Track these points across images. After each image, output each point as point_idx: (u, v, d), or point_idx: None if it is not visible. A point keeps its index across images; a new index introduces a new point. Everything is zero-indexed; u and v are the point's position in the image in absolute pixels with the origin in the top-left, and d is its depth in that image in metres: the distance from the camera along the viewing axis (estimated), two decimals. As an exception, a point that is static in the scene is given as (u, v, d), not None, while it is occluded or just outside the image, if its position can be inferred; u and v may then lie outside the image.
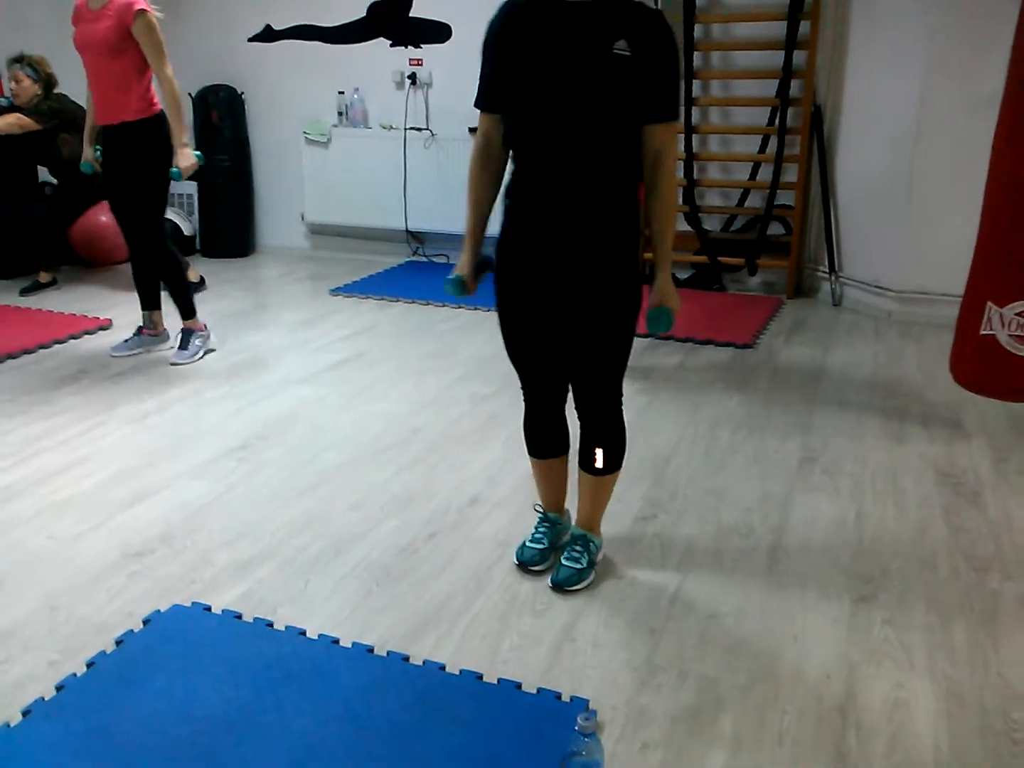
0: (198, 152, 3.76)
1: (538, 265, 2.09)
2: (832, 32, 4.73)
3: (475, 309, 4.78)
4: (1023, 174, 2.54)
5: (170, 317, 4.19)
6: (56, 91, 4.93)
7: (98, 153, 3.91)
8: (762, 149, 5.04)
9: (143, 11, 3.56)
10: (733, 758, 1.74)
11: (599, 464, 2.26)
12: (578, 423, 2.28)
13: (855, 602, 2.24)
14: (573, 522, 2.44)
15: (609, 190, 2.02)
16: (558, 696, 1.89)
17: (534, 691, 1.91)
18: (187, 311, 4.06)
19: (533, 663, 2.01)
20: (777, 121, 4.90)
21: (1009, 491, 2.82)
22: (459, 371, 3.88)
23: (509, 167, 2.12)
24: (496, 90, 2.05)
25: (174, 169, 3.71)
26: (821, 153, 4.89)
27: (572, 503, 2.44)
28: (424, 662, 2.01)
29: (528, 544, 2.40)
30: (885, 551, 2.47)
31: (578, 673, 1.98)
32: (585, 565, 2.30)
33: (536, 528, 2.44)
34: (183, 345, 4.02)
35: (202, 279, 5.26)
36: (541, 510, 2.47)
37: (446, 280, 2.18)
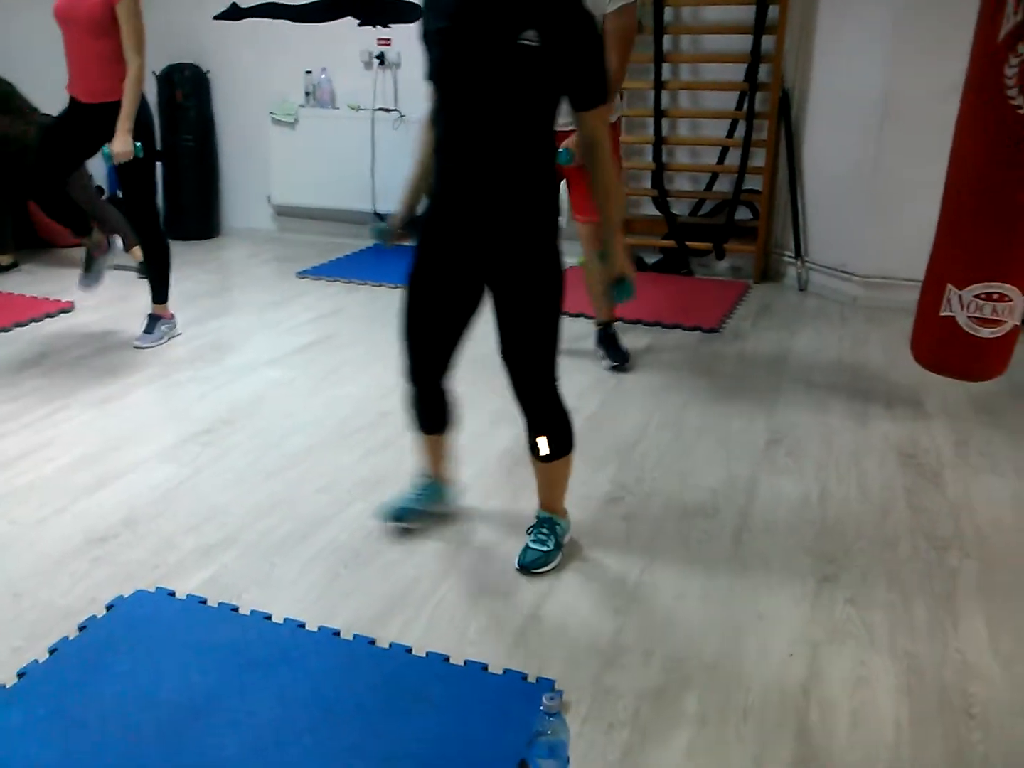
0: (138, 144, 3.64)
1: (454, 242, 2.13)
2: (800, 16, 4.75)
3: (444, 292, 4.76)
4: (982, 165, 2.57)
5: (132, 301, 4.14)
6: None
7: None
8: (730, 133, 5.06)
9: None
10: (698, 736, 1.76)
11: (544, 452, 2.26)
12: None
13: (818, 581, 2.27)
14: (452, 487, 2.53)
15: (520, 171, 2.04)
16: (524, 677, 1.90)
17: (500, 672, 1.92)
18: (161, 296, 4.01)
19: (499, 645, 2.02)
20: (745, 106, 4.91)
21: (969, 472, 2.86)
22: (427, 354, 3.86)
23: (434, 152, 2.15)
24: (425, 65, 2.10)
25: (106, 150, 3.58)
26: (789, 138, 4.92)
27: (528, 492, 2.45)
28: (391, 645, 2.01)
29: (397, 502, 2.48)
30: (848, 531, 2.51)
31: (544, 654, 1.99)
32: (552, 547, 2.31)
33: (415, 488, 2.51)
34: (148, 329, 3.96)
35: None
36: (426, 475, 2.52)
37: (374, 227, 2.33)
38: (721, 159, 5.11)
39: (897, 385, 3.57)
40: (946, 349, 2.80)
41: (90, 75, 3.61)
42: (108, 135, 3.58)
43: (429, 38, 2.07)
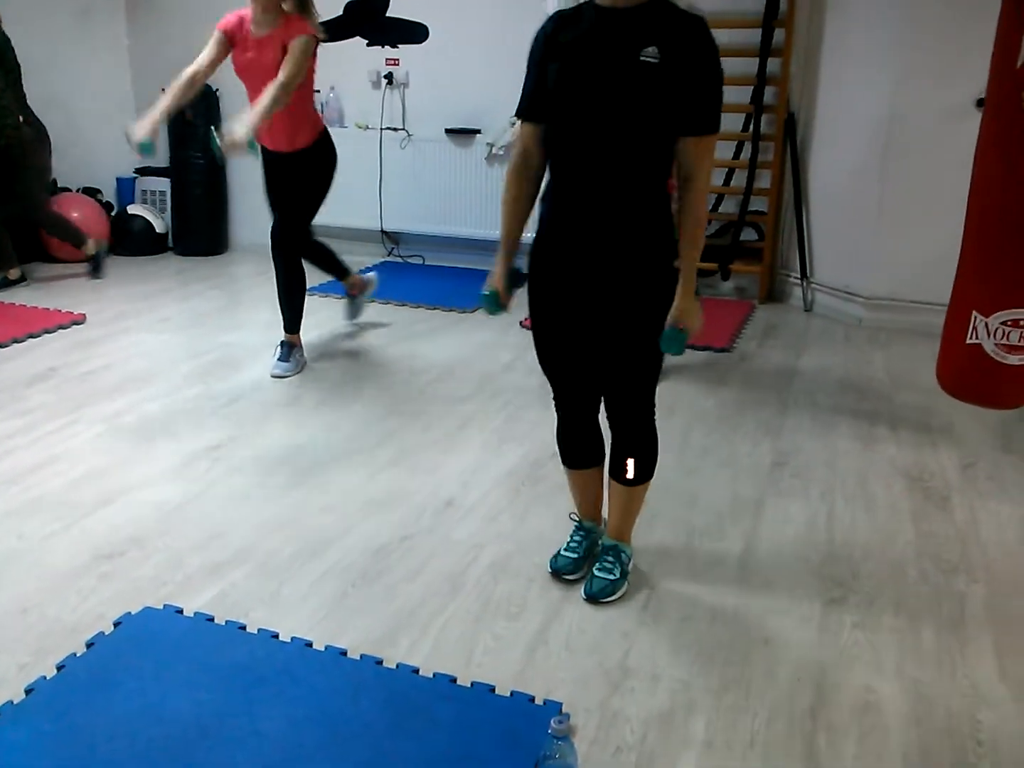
0: None
1: (570, 272, 2.08)
2: (806, 39, 4.78)
3: (450, 311, 4.78)
4: (1006, 192, 2.55)
5: (143, 315, 4.15)
6: None
7: None
8: (736, 155, 5.08)
9: None
10: (705, 760, 1.76)
11: (630, 475, 2.26)
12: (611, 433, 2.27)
13: (825, 605, 2.27)
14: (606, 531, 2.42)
15: (641, 196, 2.00)
16: (532, 699, 1.90)
17: (508, 694, 1.92)
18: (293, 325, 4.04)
19: (507, 666, 2.02)
20: (751, 128, 4.94)
21: (976, 495, 2.86)
22: (434, 373, 3.86)
23: (546, 175, 2.10)
24: (535, 98, 2.04)
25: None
26: (794, 160, 4.94)
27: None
28: (398, 665, 2.01)
29: (563, 552, 2.38)
30: (855, 555, 2.51)
31: (552, 676, 1.99)
32: (618, 576, 2.29)
33: (571, 536, 2.42)
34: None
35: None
36: (576, 518, 2.45)
37: (481, 296, 2.17)
38: (727, 180, 5.13)
39: (902, 407, 3.57)
40: (974, 377, 2.76)
41: None
42: None
43: (546, 71, 2.00)
